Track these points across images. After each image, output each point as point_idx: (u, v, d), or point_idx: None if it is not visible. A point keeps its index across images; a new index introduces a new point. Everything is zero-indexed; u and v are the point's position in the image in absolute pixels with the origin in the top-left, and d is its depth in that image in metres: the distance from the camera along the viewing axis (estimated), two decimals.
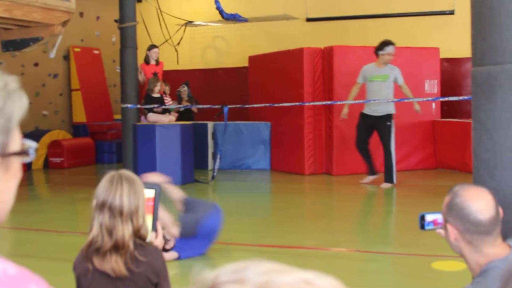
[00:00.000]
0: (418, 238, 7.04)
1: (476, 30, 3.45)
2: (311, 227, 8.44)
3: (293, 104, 12.56)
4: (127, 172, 3.05)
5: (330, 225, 8.56)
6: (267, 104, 12.92)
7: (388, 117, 11.31)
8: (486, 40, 3.34)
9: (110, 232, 2.95)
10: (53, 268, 6.23)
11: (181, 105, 13.84)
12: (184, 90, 14.49)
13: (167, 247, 6.51)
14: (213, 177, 12.32)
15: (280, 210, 9.88)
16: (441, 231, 3.04)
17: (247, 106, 13.88)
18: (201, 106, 13.41)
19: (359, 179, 11.83)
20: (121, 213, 2.94)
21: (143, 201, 3.02)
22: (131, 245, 2.95)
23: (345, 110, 11.57)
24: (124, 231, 2.94)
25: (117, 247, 2.94)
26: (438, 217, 3.05)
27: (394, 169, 11.29)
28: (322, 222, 8.64)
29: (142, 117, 12.71)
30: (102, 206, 2.97)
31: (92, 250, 2.98)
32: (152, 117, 12.30)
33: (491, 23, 3.30)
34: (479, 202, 2.73)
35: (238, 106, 13.36)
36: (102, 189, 3.00)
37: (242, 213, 9.39)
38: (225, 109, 12.54)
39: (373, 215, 8.77)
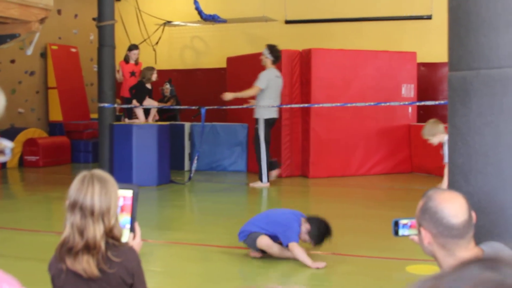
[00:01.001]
0: (393, 241, 7.06)
1: (452, 35, 3.47)
2: None
3: (270, 106, 12.56)
4: (99, 172, 3.04)
5: None
6: (244, 106, 12.92)
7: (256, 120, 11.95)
8: (463, 45, 3.37)
9: (81, 232, 2.93)
10: (27, 267, 6.18)
11: (158, 106, 13.79)
12: (167, 88, 14.46)
13: None
14: (189, 178, 12.29)
15: (256, 212, 9.86)
16: (415, 238, 3.05)
17: (224, 107, 13.87)
18: (178, 107, 13.37)
19: (335, 182, 11.87)
20: (92, 213, 2.92)
21: (115, 201, 3.00)
22: (102, 245, 2.93)
23: (230, 96, 12.13)
24: (95, 231, 2.92)
25: (89, 248, 2.92)
26: (412, 222, 3.07)
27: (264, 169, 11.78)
28: None
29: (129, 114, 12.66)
30: (73, 206, 2.95)
31: (64, 250, 2.96)
32: (146, 102, 12.23)
33: (467, 28, 3.33)
34: (452, 206, 2.75)
35: (216, 107, 13.35)
36: (74, 189, 2.98)
37: (218, 215, 9.38)
38: (203, 110, 12.52)
39: (349, 218, 8.79)
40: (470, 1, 3.32)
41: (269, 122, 11.88)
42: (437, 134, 8.00)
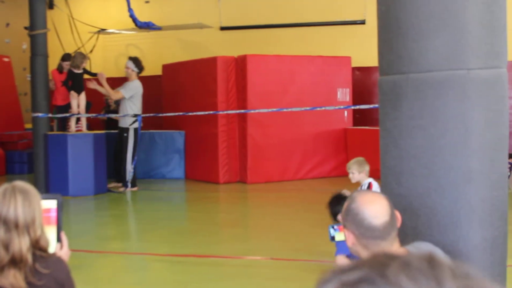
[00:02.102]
0: (332, 245, 7.13)
1: (382, 40, 3.53)
2: (226, 236, 8.45)
3: (206, 113, 12.60)
4: (21, 184, 2.98)
5: (245, 234, 8.59)
6: (181, 113, 12.91)
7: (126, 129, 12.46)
8: (392, 50, 3.42)
9: (7, 247, 2.87)
10: None
11: (99, 114, 13.64)
12: None
13: None
14: (126, 186, 12.18)
15: (195, 219, 9.86)
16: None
17: (160, 115, 13.81)
18: (114, 116, 13.23)
19: (274, 187, 11.93)
20: (16, 225, 2.87)
21: (39, 212, 2.95)
22: (29, 258, 2.88)
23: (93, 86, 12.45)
24: (21, 244, 2.87)
25: (15, 261, 2.86)
26: (340, 226, 3.11)
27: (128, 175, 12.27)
28: (236, 231, 8.66)
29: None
30: None
31: None
32: (72, 95, 12.05)
33: (397, 33, 3.39)
34: (373, 208, 2.79)
35: (152, 115, 13.28)
36: None
37: (156, 223, 9.33)
38: (139, 118, 12.44)
39: (287, 222, 8.84)
40: (399, 6, 3.38)
41: (137, 131, 12.38)
42: (362, 172, 8.23)
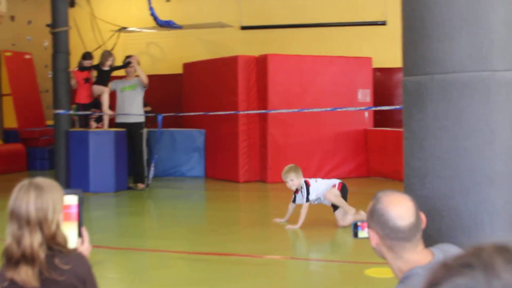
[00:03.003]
0: (352, 245, 7.13)
1: (407, 40, 3.51)
2: (246, 235, 8.45)
3: (226, 112, 12.62)
4: (40, 180, 2.97)
5: (265, 233, 8.59)
6: (201, 113, 12.95)
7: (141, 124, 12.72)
8: (417, 51, 3.41)
9: (19, 242, 2.87)
10: None
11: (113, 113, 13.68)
12: None
13: None
14: (147, 185, 12.22)
15: (214, 217, 9.87)
16: None
17: (181, 114, 13.85)
18: (135, 114, 13.26)
19: None
20: (28, 222, 2.87)
21: (54, 208, 2.93)
22: (41, 254, 2.86)
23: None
24: (33, 240, 2.86)
25: (26, 257, 2.86)
26: (363, 224, 3.11)
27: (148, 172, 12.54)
28: (256, 230, 8.67)
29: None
30: (11, 215, 2.90)
31: (6, 261, 2.92)
32: (96, 89, 12.19)
33: (421, 33, 3.37)
34: (398, 208, 2.77)
35: (172, 114, 13.33)
36: (12, 198, 2.93)
37: (176, 221, 9.36)
38: (159, 117, 12.48)
39: (307, 222, 8.83)
40: (423, 6, 3.36)
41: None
42: (299, 177, 8.46)
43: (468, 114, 3.23)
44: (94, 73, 12.36)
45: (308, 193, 8.34)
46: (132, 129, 12.38)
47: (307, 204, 8.37)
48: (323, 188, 8.50)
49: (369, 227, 2.86)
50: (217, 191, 12.42)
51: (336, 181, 8.63)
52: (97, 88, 12.23)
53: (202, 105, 13.89)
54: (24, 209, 2.88)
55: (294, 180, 8.40)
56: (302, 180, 8.38)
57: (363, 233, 3.10)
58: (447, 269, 1.16)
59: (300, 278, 6.30)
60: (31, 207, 2.88)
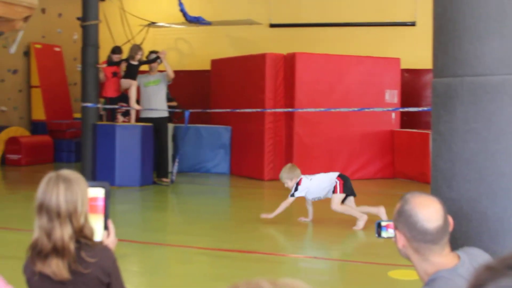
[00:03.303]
0: (375, 246, 7.11)
1: (437, 42, 3.49)
2: (268, 233, 8.45)
3: (253, 110, 12.61)
4: (66, 172, 2.98)
5: (288, 231, 8.58)
6: (227, 110, 12.96)
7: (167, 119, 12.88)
8: (447, 52, 3.38)
9: (49, 235, 2.88)
10: (7, 266, 6.15)
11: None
12: None
13: None
14: (172, 181, 12.24)
15: (238, 214, 9.88)
16: None
17: (208, 110, 13.88)
18: (160, 109, 13.32)
19: None
20: (58, 215, 2.88)
21: (82, 200, 2.94)
22: (72, 246, 2.89)
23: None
24: (63, 232, 2.88)
25: (57, 250, 2.87)
26: (389, 224, 3.09)
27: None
28: (280, 228, 8.66)
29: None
30: (40, 208, 2.91)
31: (35, 253, 2.93)
32: (124, 82, 12.27)
33: (452, 35, 3.34)
34: (427, 211, 2.75)
35: (199, 110, 13.37)
36: (40, 191, 2.93)
37: (200, 217, 9.38)
38: (186, 113, 12.52)
39: (330, 222, 8.81)
40: (455, 8, 3.33)
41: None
42: (294, 178, 8.59)
43: (497, 118, 3.20)
44: (123, 67, 12.40)
45: (295, 190, 8.48)
46: (157, 124, 12.39)
47: (291, 199, 8.52)
48: (322, 185, 8.57)
49: (396, 228, 2.84)
50: (241, 188, 12.43)
51: (334, 177, 8.59)
52: (125, 82, 12.29)
53: (229, 102, 13.90)
54: (54, 202, 2.88)
55: (288, 183, 8.60)
56: (298, 178, 8.52)
57: (386, 233, 3.09)
58: (492, 271, 1.15)
59: (322, 278, 6.28)
60: (61, 200, 2.89)
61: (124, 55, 12.67)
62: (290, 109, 12.73)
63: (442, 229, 2.74)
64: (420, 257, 2.78)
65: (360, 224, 8.27)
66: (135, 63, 12.24)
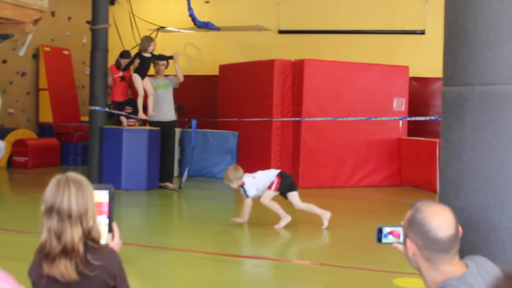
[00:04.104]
0: (381, 254, 7.08)
1: (448, 50, 3.48)
2: (275, 238, 8.44)
3: (260, 119, 12.66)
4: (74, 175, 3.00)
5: (294, 237, 8.57)
6: (235, 119, 13.02)
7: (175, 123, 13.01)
8: (458, 61, 3.37)
9: (59, 237, 2.89)
10: (14, 267, 6.14)
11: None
12: None
13: None
14: (179, 187, 12.22)
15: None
16: (398, 246, 3.06)
17: (215, 120, 13.92)
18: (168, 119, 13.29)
19: (324, 193, 11.87)
20: (69, 216, 2.88)
21: (92, 202, 2.96)
22: (81, 248, 2.89)
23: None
24: (73, 234, 2.88)
25: (66, 251, 2.88)
26: (396, 230, 3.07)
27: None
28: (285, 234, 8.65)
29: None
30: (50, 210, 2.91)
31: (42, 256, 2.93)
32: (135, 79, 12.14)
33: (463, 44, 3.34)
34: (439, 220, 2.74)
35: (207, 120, 13.45)
36: (49, 193, 2.93)
37: (205, 221, 9.37)
38: (194, 122, 12.50)
39: (337, 229, 8.79)
40: (466, 17, 3.33)
41: None
42: (239, 179, 8.82)
43: (507, 127, 3.20)
44: (136, 63, 12.26)
45: (245, 191, 8.75)
46: (165, 127, 12.37)
47: (249, 200, 8.81)
48: (264, 182, 8.81)
49: (407, 236, 2.83)
50: None
51: (274, 174, 8.85)
52: (136, 79, 12.15)
53: (237, 107, 13.92)
54: (66, 204, 2.89)
55: (232, 183, 8.86)
56: (243, 179, 8.76)
57: (386, 239, 3.07)
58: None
59: (328, 284, 6.26)
60: (72, 201, 2.90)
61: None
62: (296, 119, 12.74)
63: (454, 238, 2.74)
64: (431, 266, 2.77)
65: (282, 223, 8.74)
66: (147, 55, 12.15)
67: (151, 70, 12.48)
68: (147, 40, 12.24)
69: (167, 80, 12.60)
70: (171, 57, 12.37)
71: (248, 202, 8.80)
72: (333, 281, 6.38)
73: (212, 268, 6.74)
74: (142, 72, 12.17)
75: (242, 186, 8.73)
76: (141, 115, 12.12)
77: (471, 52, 3.29)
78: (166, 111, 12.43)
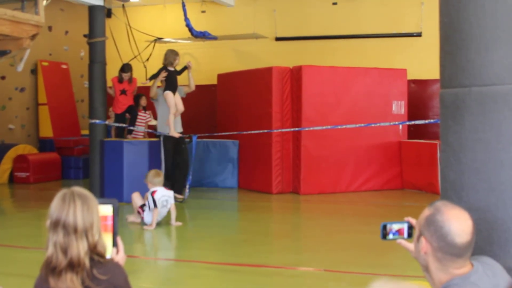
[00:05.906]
0: (385, 257, 7.08)
1: (444, 52, 3.48)
2: (278, 246, 8.43)
3: (260, 131, 12.68)
4: (79, 189, 3.01)
5: (297, 244, 8.56)
6: (235, 132, 13.06)
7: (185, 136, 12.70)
8: (454, 63, 3.38)
9: (65, 251, 2.89)
10: (19, 284, 6.15)
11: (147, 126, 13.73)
12: None
13: None
14: (185, 197, 12.16)
15: (247, 228, 9.86)
16: (402, 242, 3.05)
17: (216, 134, 13.93)
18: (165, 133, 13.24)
19: (326, 198, 11.87)
20: (75, 230, 2.89)
21: (97, 217, 2.98)
22: (87, 262, 2.90)
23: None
24: (79, 248, 2.89)
25: (72, 265, 2.88)
26: (402, 227, 3.07)
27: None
28: (289, 241, 8.64)
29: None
30: (55, 224, 2.92)
31: (48, 270, 2.93)
32: (168, 95, 11.87)
33: (459, 45, 3.34)
34: (459, 225, 2.74)
35: (207, 134, 13.50)
36: (55, 207, 2.95)
37: (208, 231, 9.36)
38: (194, 138, 12.46)
39: (340, 234, 8.79)
40: (461, 18, 3.33)
41: None
42: (149, 182, 9.56)
43: (506, 127, 3.20)
44: (162, 76, 12.06)
45: (153, 200, 9.38)
46: (179, 139, 12.14)
47: (156, 209, 9.38)
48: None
49: (422, 235, 2.82)
50: (250, 202, 12.42)
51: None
52: (169, 96, 11.90)
53: (236, 115, 13.93)
54: (71, 218, 2.90)
55: (149, 184, 9.56)
56: (153, 188, 9.45)
57: (391, 236, 3.07)
58: None
59: None
60: (78, 216, 2.91)
61: (134, 72, 12.67)
62: (296, 129, 12.76)
63: (469, 244, 2.74)
64: (440, 267, 2.76)
65: (132, 217, 9.70)
66: (172, 69, 11.96)
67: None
68: (173, 54, 12.02)
69: (177, 90, 12.45)
70: (185, 68, 12.21)
71: (155, 211, 9.37)
72: (338, 286, 6.37)
73: (215, 278, 6.73)
74: (173, 87, 11.94)
75: (151, 193, 9.31)
76: (172, 132, 11.86)
77: (467, 53, 3.29)
78: (177, 122, 12.27)
